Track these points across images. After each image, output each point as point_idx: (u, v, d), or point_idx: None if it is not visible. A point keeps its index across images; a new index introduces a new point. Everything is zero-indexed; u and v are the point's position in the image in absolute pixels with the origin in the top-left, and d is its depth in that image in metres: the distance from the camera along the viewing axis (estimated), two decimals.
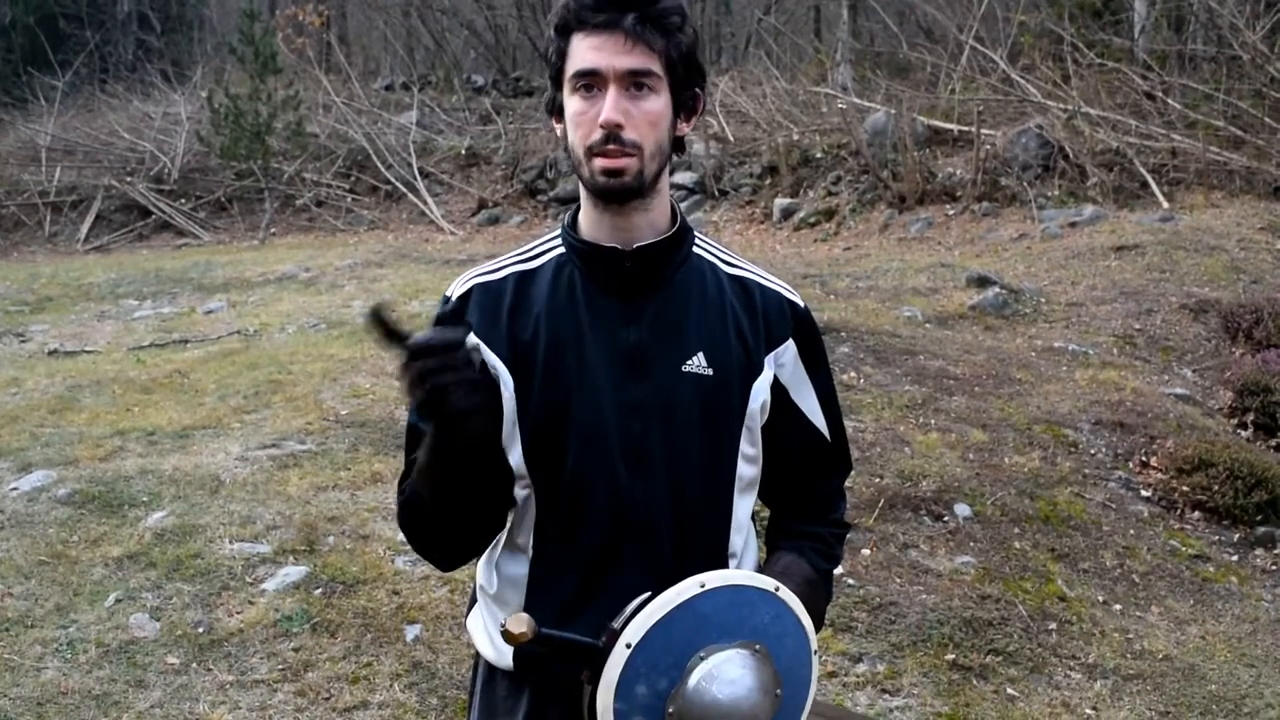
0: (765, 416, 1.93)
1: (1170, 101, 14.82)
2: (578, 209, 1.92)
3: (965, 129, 15.21)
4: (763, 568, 1.98)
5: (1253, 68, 14.38)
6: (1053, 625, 4.71)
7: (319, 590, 4.57)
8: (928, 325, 8.80)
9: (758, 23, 26.35)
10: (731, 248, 2.08)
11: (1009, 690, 4.25)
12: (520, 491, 1.90)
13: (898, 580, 4.88)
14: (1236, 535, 5.87)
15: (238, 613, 4.41)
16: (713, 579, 1.73)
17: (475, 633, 1.99)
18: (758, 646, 1.73)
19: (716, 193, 16.66)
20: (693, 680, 1.68)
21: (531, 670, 1.86)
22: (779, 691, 1.75)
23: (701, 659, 1.69)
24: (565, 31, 1.80)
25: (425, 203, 18.46)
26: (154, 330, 9.94)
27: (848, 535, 2.14)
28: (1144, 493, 6.12)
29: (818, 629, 1.92)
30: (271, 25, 24.26)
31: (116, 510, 5.24)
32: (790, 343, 1.95)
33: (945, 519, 5.47)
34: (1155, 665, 4.52)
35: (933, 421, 6.55)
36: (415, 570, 4.74)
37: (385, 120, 21.28)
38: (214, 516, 5.14)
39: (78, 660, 4.08)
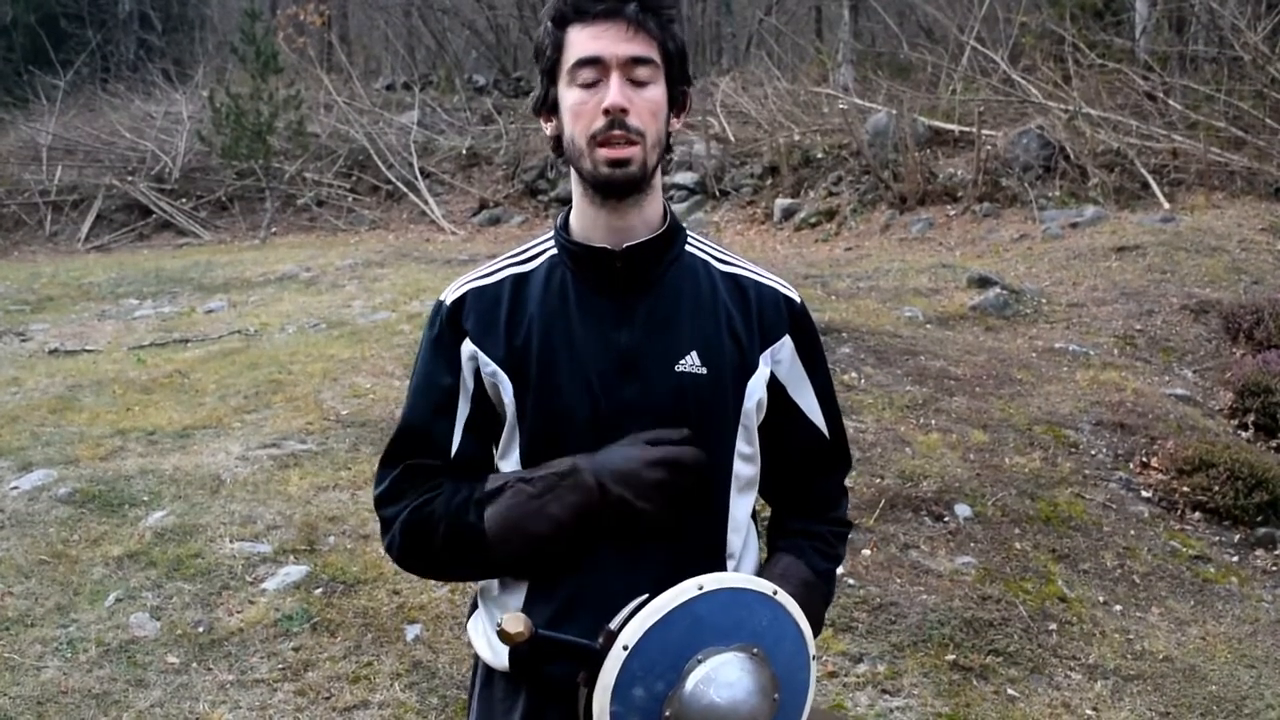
0: (762, 415, 1.92)
1: (1171, 102, 14.82)
2: (569, 209, 1.92)
3: (966, 129, 15.21)
4: (762, 569, 1.97)
5: (1254, 69, 14.38)
6: (1053, 626, 4.70)
7: (319, 590, 4.57)
8: (929, 326, 8.79)
9: (759, 23, 26.35)
10: (732, 248, 2.08)
11: (1009, 691, 4.25)
12: None
13: (898, 580, 4.88)
14: (1237, 536, 5.87)
15: (238, 612, 4.41)
16: (710, 581, 1.73)
17: (474, 635, 1.99)
18: (755, 650, 1.73)
19: (717, 193, 16.66)
20: (690, 683, 1.68)
21: (526, 673, 1.86)
22: (777, 695, 1.74)
23: (699, 662, 1.69)
24: (562, 23, 1.80)
25: (426, 203, 18.46)
26: (154, 330, 9.95)
27: (850, 534, 2.14)
28: (1144, 493, 6.12)
29: (819, 629, 1.91)
30: (273, 25, 24.30)
31: (117, 510, 5.24)
32: (786, 339, 1.94)
33: (946, 519, 5.47)
34: (1156, 666, 4.52)
35: (933, 422, 6.55)
36: None
37: (386, 120, 21.28)
38: (214, 516, 5.14)
39: (78, 659, 4.08)
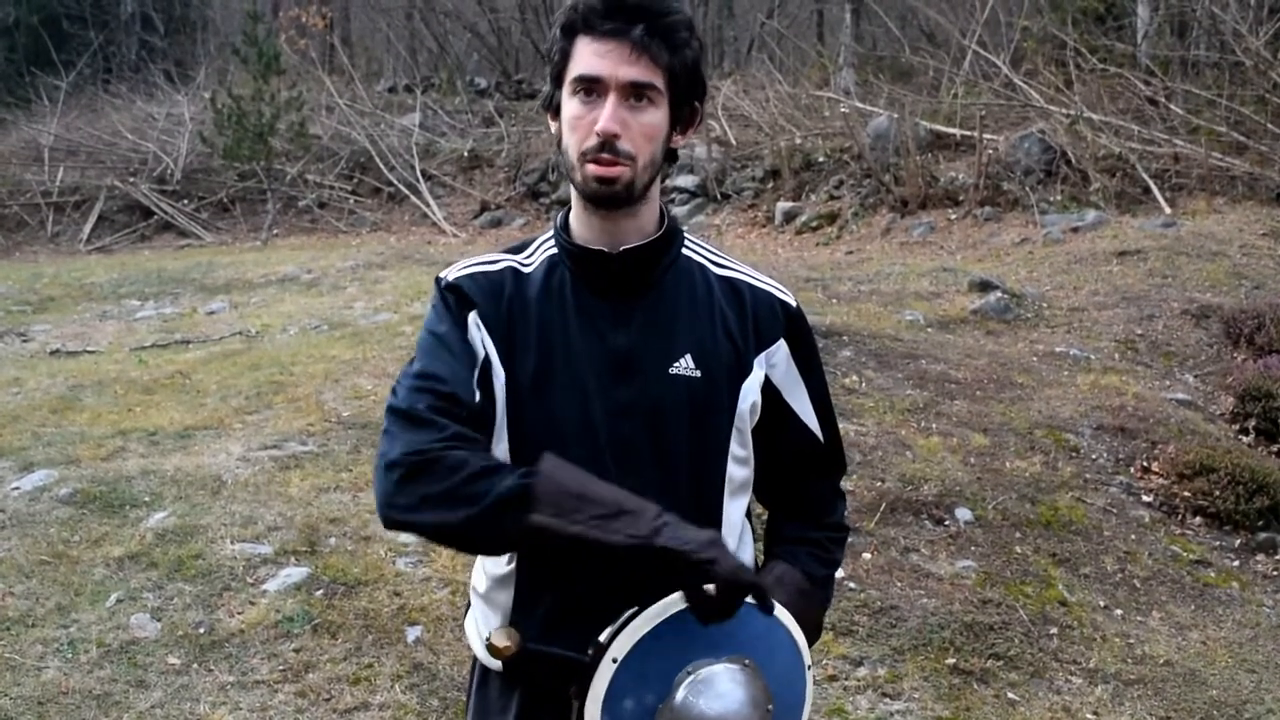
0: (756, 417, 1.92)
1: (1173, 107, 14.82)
2: (569, 210, 1.93)
3: (968, 133, 15.21)
4: (757, 575, 1.97)
5: (1255, 74, 14.38)
6: (1054, 630, 4.70)
7: (320, 591, 4.57)
8: (929, 329, 8.79)
9: (760, 26, 26.36)
10: (733, 251, 2.09)
11: (1010, 695, 4.25)
12: None
13: (898, 584, 4.88)
14: (1238, 541, 5.87)
15: (239, 613, 4.41)
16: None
17: (470, 634, 1.99)
18: (747, 661, 1.72)
19: (718, 196, 16.66)
20: (680, 695, 1.67)
21: (518, 674, 1.86)
22: (770, 707, 1.73)
23: (689, 674, 1.68)
24: (570, 32, 1.80)
25: (428, 205, 18.47)
26: (156, 331, 9.95)
27: (847, 538, 2.13)
28: (1145, 498, 6.12)
29: (816, 636, 1.90)
30: (275, 26, 24.34)
31: (118, 510, 5.24)
32: (781, 343, 1.95)
33: (946, 523, 5.47)
34: (1156, 670, 4.52)
35: (934, 425, 6.55)
36: (416, 572, 4.75)
37: (388, 122, 21.29)
38: (215, 517, 5.14)
39: (78, 660, 4.08)
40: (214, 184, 20.00)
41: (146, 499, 5.36)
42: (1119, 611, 4.97)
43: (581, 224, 1.88)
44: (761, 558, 2.05)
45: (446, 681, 4.07)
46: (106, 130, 21.81)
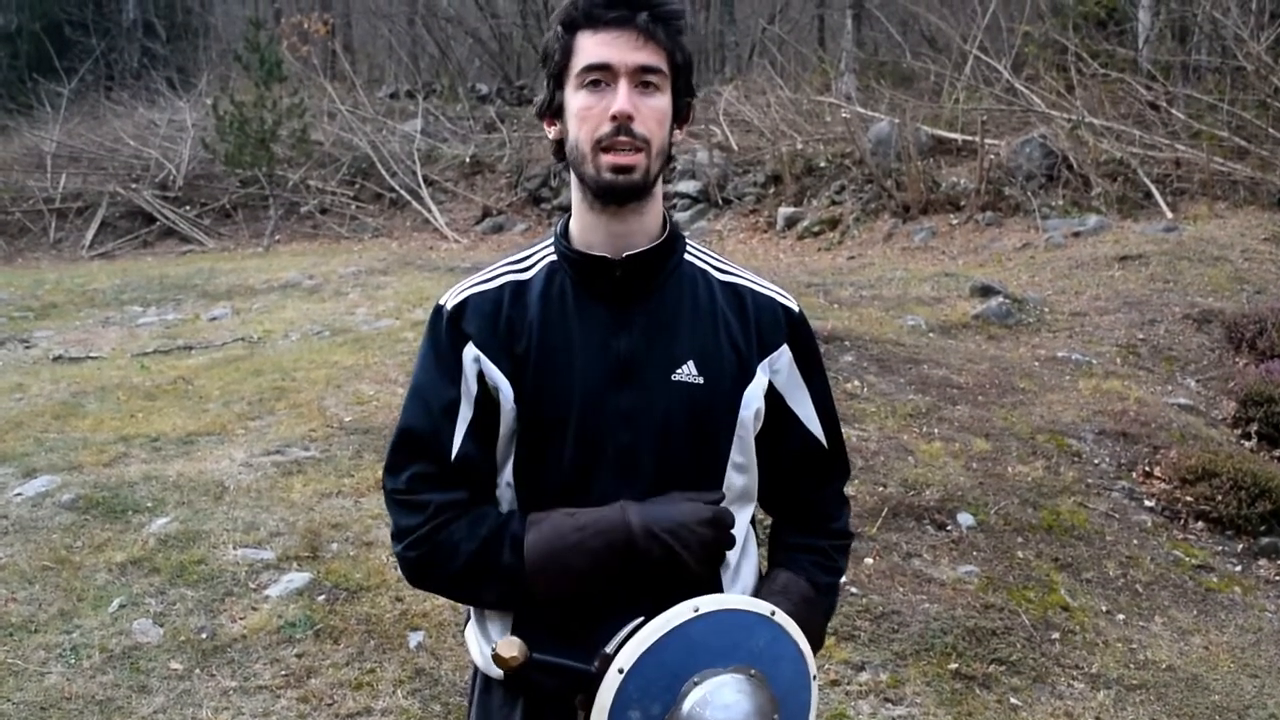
0: (759, 424, 1.92)
1: (1174, 112, 14.83)
2: (569, 216, 1.92)
3: (969, 138, 15.23)
4: (761, 585, 1.96)
5: (1257, 78, 14.39)
6: (1056, 635, 4.70)
7: (322, 596, 4.57)
8: (931, 334, 8.80)
9: (762, 32, 26.38)
10: (734, 257, 2.09)
11: (1012, 700, 4.24)
12: (507, 497, 1.90)
13: (901, 589, 4.88)
14: (1240, 546, 5.87)
15: (241, 619, 4.42)
16: (706, 603, 1.72)
17: (470, 643, 1.99)
18: (753, 671, 1.72)
19: (720, 201, 16.67)
20: (687, 705, 1.67)
21: (522, 683, 1.86)
22: (776, 716, 1.73)
23: (695, 684, 1.68)
24: (572, 28, 1.81)
25: (429, 210, 18.48)
26: (158, 337, 9.96)
27: (851, 545, 2.13)
28: (1147, 503, 6.12)
29: (820, 644, 1.90)
30: (276, 33, 24.35)
31: (120, 516, 5.24)
32: (785, 349, 1.94)
33: (948, 528, 5.47)
34: (1158, 675, 4.52)
35: (936, 430, 6.55)
36: None
37: (390, 128, 21.31)
38: (218, 523, 5.15)
39: (81, 665, 4.09)
40: (216, 190, 20.02)
41: (149, 505, 5.36)
42: (1121, 616, 4.97)
43: (585, 228, 1.88)
44: (765, 565, 2.04)
45: (448, 687, 4.07)
46: (109, 137, 21.84)
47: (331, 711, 3.90)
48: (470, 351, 1.86)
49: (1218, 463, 6.20)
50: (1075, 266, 10.99)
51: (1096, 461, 6.44)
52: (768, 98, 18.85)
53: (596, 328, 1.86)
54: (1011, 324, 9.20)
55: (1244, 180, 13.21)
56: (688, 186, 16.75)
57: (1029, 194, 13.71)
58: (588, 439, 1.83)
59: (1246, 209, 12.74)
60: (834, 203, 15.38)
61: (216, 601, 4.53)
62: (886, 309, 9.46)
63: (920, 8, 21.50)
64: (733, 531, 1.83)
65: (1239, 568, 5.66)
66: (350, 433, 6.37)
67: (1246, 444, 7.17)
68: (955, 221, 13.86)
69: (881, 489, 5.71)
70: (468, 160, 20.02)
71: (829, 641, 4.29)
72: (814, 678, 1.82)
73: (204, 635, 4.29)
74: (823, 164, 16.27)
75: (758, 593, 1.92)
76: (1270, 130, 13.60)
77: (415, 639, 4.34)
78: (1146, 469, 6.43)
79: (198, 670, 4.09)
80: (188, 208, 19.59)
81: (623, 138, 1.77)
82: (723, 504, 1.88)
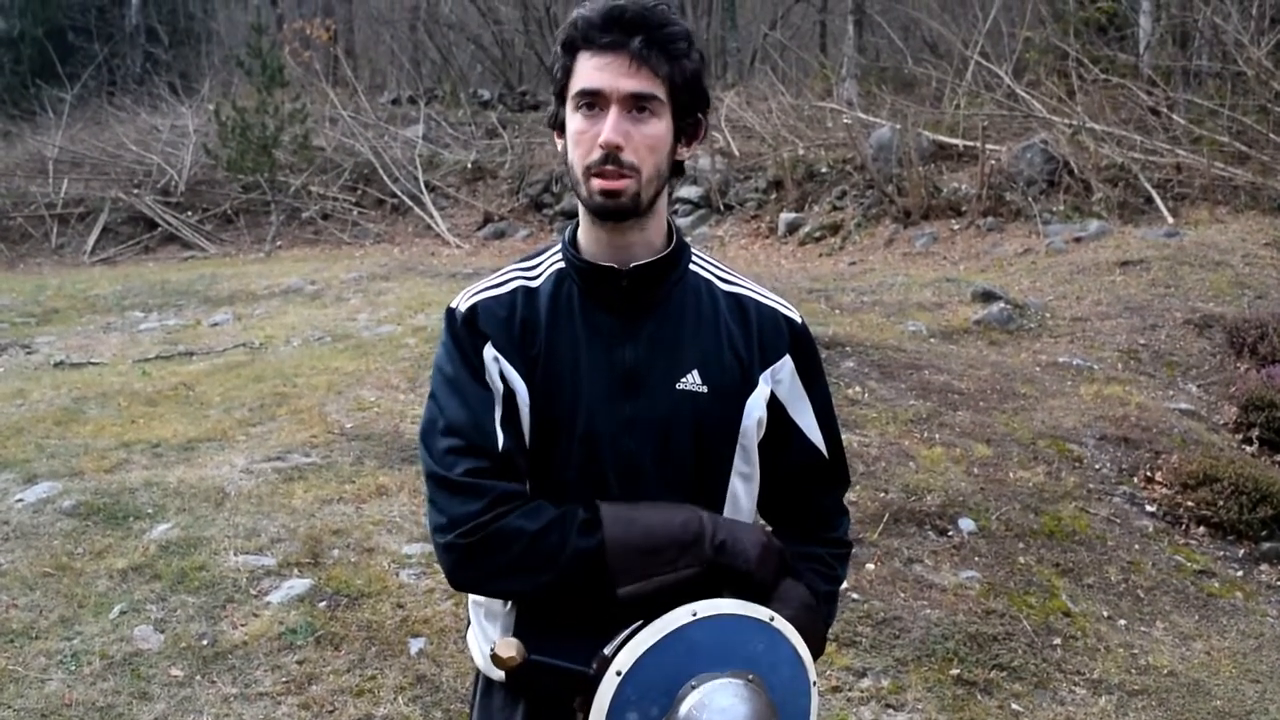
0: (761, 433, 1.93)
1: (1175, 117, 14.83)
2: (578, 224, 1.93)
3: (970, 144, 15.22)
4: None
5: (1258, 84, 14.39)
6: (1057, 640, 4.70)
7: (323, 603, 4.57)
8: (932, 340, 8.80)
9: (763, 38, 26.40)
10: (736, 262, 2.10)
11: (1013, 705, 4.24)
12: None
13: (902, 595, 4.88)
14: (1241, 551, 5.86)
15: (242, 625, 4.41)
16: (704, 608, 1.73)
17: (473, 646, 2.00)
18: (751, 676, 1.72)
19: (722, 207, 16.67)
20: (684, 709, 1.68)
21: (522, 685, 1.86)
22: None
23: (693, 688, 1.69)
24: (571, 49, 1.81)
25: (431, 216, 18.49)
26: (159, 342, 9.96)
27: (850, 554, 2.14)
28: (1149, 508, 6.12)
29: (820, 652, 1.91)
30: (278, 39, 24.42)
31: (121, 522, 5.24)
32: (787, 359, 1.95)
33: (950, 533, 5.47)
34: (1160, 681, 4.51)
35: (937, 436, 6.55)
36: (419, 583, 4.75)
37: (391, 134, 21.33)
38: (219, 529, 5.15)
39: (82, 672, 4.09)
40: (218, 196, 20.03)
41: (150, 511, 5.36)
42: (1123, 622, 4.97)
43: (590, 239, 1.90)
44: None
45: (449, 693, 4.07)
46: (111, 142, 21.86)
47: (333, 718, 3.90)
48: (490, 352, 1.86)
49: (1219, 468, 6.20)
50: (1076, 272, 10.99)
51: (1098, 467, 6.44)
52: (769, 103, 18.86)
53: (602, 336, 1.87)
54: (1013, 329, 9.20)
55: (1245, 185, 13.21)
56: (689, 192, 16.76)
57: (1030, 199, 13.71)
58: (592, 446, 1.84)
59: (1247, 214, 12.74)
60: (835, 208, 15.38)
61: (217, 608, 4.53)
62: (888, 314, 9.46)
63: (921, 13, 21.53)
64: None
65: (1240, 573, 5.65)
66: (351, 439, 6.37)
67: (1248, 449, 7.17)
68: (956, 227, 13.86)
69: (883, 494, 5.71)
70: (469, 166, 20.03)
71: (830, 648, 4.29)
72: (814, 684, 1.82)
73: (205, 642, 4.29)
74: (824, 169, 16.27)
75: None
76: (1271, 135, 13.60)
77: (416, 645, 4.33)
78: (1148, 474, 6.43)
79: (199, 677, 4.09)
80: (190, 213, 19.60)
81: (610, 166, 1.77)
82: (724, 513, 1.91)
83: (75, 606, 4.51)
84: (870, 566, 5.06)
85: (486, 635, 1.93)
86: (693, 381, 1.87)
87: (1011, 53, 17.36)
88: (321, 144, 20.65)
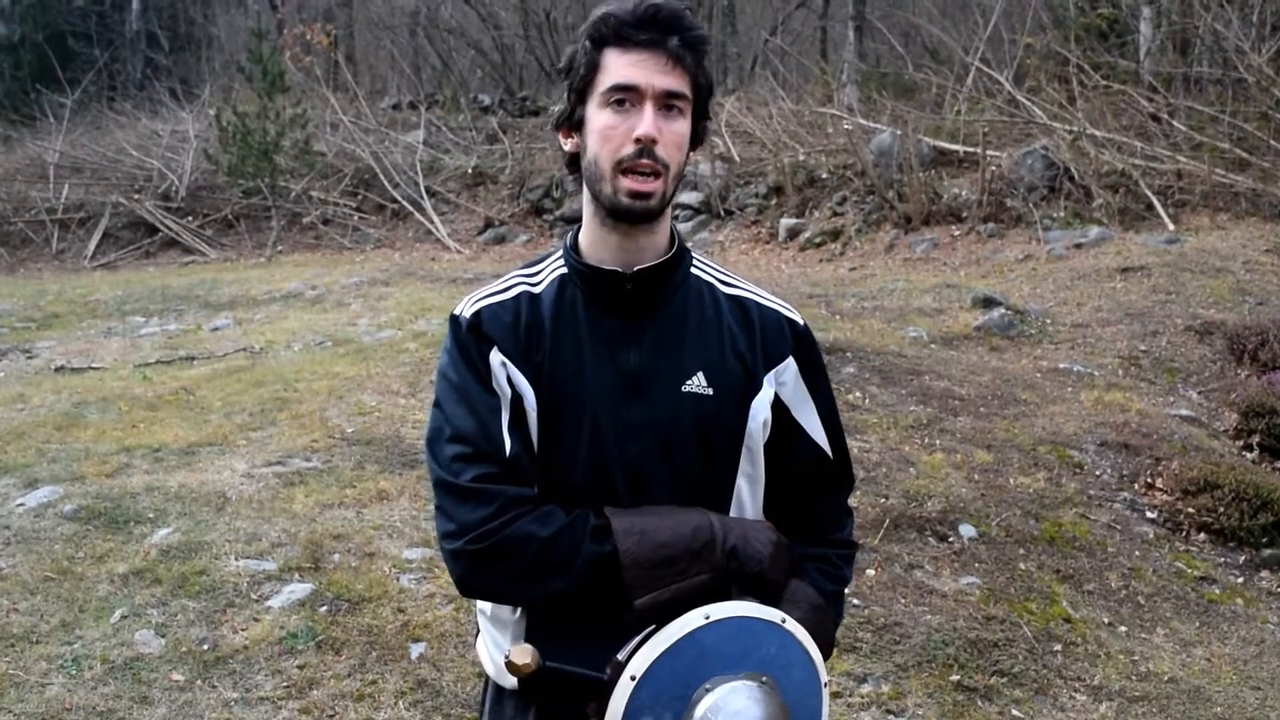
0: (766, 435, 1.93)
1: (1176, 124, 14.85)
2: (578, 229, 1.93)
3: (971, 150, 15.24)
4: None
5: (1258, 90, 14.40)
6: (1058, 646, 4.70)
7: (324, 608, 4.57)
8: (933, 345, 8.80)
9: (764, 43, 26.43)
10: (736, 268, 2.10)
11: (1014, 712, 4.24)
12: None
13: (902, 600, 4.88)
14: (1242, 557, 5.86)
15: (243, 630, 4.41)
16: (717, 611, 1.73)
17: (482, 654, 2.00)
18: (764, 678, 1.73)
19: (722, 213, 16.68)
20: (698, 712, 1.68)
21: (534, 692, 1.86)
22: None
23: (707, 691, 1.69)
24: (600, 44, 1.81)
25: (432, 221, 18.50)
26: (160, 347, 9.96)
27: (855, 555, 2.14)
28: (1149, 514, 6.12)
29: (827, 653, 1.91)
30: (279, 44, 24.45)
31: (122, 527, 5.24)
32: (790, 360, 1.96)
33: (950, 539, 5.47)
34: (1160, 687, 4.51)
35: (938, 442, 6.55)
36: (420, 588, 4.75)
37: (392, 139, 21.34)
38: (219, 533, 5.15)
39: (83, 676, 4.09)
40: (218, 201, 20.03)
41: (150, 515, 5.36)
42: (1123, 628, 4.97)
43: (595, 243, 1.89)
44: None
45: (450, 698, 4.06)
46: (111, 147, 21.87)
47: None
48: (496, 357, 1.87)
49: (1219, 474, 6.20)
50: (1077, 278, 10.99)
51: (1098, 473, 6.44)
52: (770, 109, 18.88)
53: (606, 341, 1.87)
54: (1013, 335, 9.20)
55: (1245, 192, 13.22)
56: (690, 198, 16.76)
57: (1031, 205, 13.71)
58: (597, 451, 1.85)
59: (1248, 220, 12.74)
60: (836, 214, 15.38)
61: (218, 612, 4.53)
62: (888, 320, 9.47)
63: (922, 20, 21.55)
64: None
65: (1241, 579, 5.65)
66: (352, 444, 6.37)
67: (1248, 455, 7.17)
68: (957, 233, 13.86)
69: (883, 500, 5.71)
70: (470, 171, 20.04)
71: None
72: (825, 685, 1.83)
73: (206, 646, 4.29)
74: (825, 175, 16.28)
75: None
76: (1271, 142, 13.61)
77: (417, 650, 4.33)
78: (1148, 480, 6.43)
79: (199, 681, 4.09)
80: (190, 218, 19.60)
81: (645, 160, 1.78)
82: (730, 514, 1.91)
83: (76, 611, 4.51)
84: (871, 572, 5.06)
85: (498, 643, 1.93)
86: (698, 384, 1.87)
87: (1012, 59, 17.38)
88: (322, 149, 20.66)
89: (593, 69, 1.82)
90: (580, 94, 1.85)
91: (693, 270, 1.97)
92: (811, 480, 2.03)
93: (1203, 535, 5.98)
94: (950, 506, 5.72)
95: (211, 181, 20.37)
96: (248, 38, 20.94)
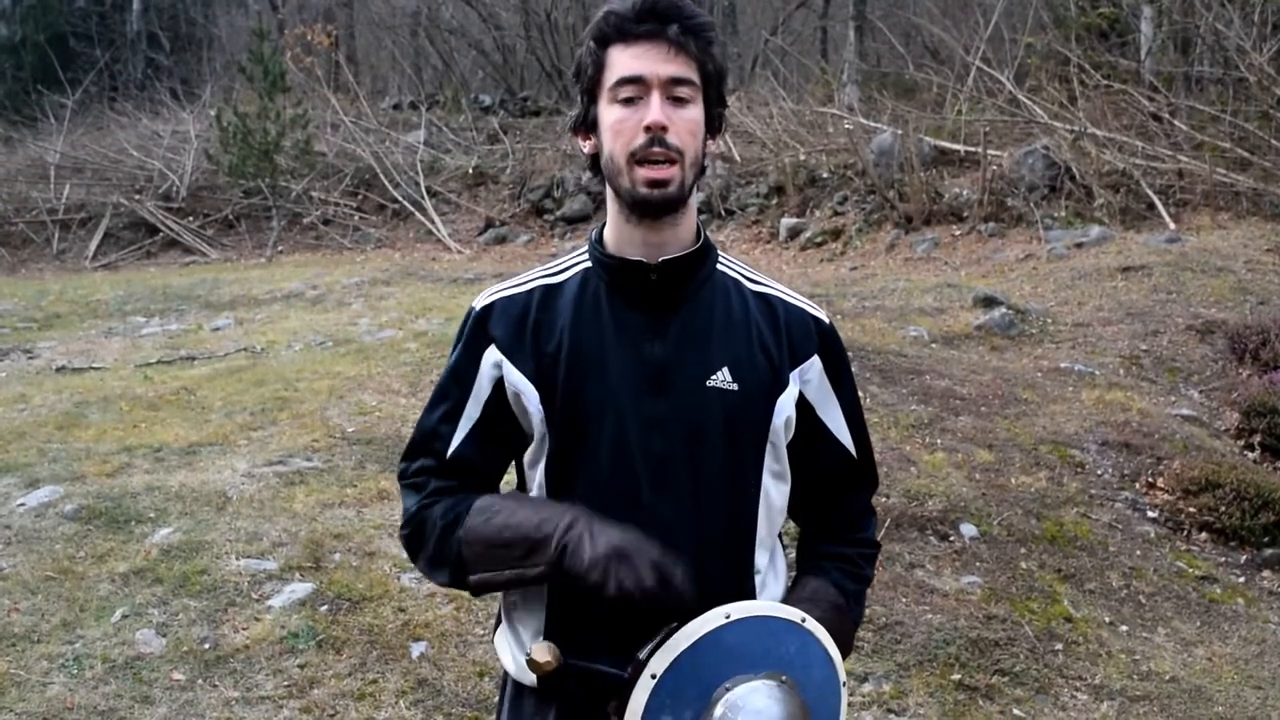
0: (790, 433, 1.93)
1: (1177, 123, 14.84)
2: (604, 224, 1.94)
3: (972, 149, 15.23)
4: (789, 593, 1.97)
5: (1259, 89, 14.39)
6: (1059, 646, 4.70)
7: (325, 607, 4.57)
8: (934, 345, 8.80)
9: (764, 43, 26.42)
10: (752, 266, 2.10)
11: (1015, 711, 4.24)
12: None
13: (904, 600, 4.88)
14: (1243, 557, 5.86)
15: (244, 629, 4.41)
16: (738, 610, 1.73)
17: (501, 650, 1.99)
18: (784, 677, 1.73)
19: (723, 212, 16.69)
20: (718, 711, 1.68)
21: (554, 689, 1.86)
22: None
23: (727, 690, 1.69)
24: (604, 43, 1.83)
25: (432, 221, 18.50)
26: (161, 347, 9.97)
27: (878, 555, 2.14)
28: (1150, 513, 6.11)
29: (848, 652, 1.91)
30: (280, 44, 24.42)
31: (123, 526, 5.24)
32: (815, 359, 1.95)
33: (951, 539, 5.47)
34: (1162, 686, 4.51)
35: (939, 441, 6.55)
36: (421, 587, 4.74)
37: (393, 139, 21.34)
38: (220, 533, 5.15)
39: (84, 676, 4.09)
40: (219, 201, 20.03)
41: (151, 515, 5.36)
42: (1124, 627, 4.97)
43: (621, 237, 1.90)
44: (792, 573, 2.05)
45: (451, 697, 4.06)
46: (112, 148, 21.87)
47: None
48: (491, 356, 1.89)
49: (1221, 474, 6.19)
50: (1078, 277, 10.99)
51: (1099, 472, 6.44)
52: (770, 109, 18.86)
53: (630, 334, 1.87)
54: (1014, 335, 9.20)
55: (1247, 191, 13.21)
56: (691, 197, 16.75)
57: (1031, 205, 13.71)
58: (620, 446, 1.84)
59: (1249, 220, 12.74)
60: (836, 213, 15.37)
61: (219, 612, 4.53)
62: (889, 320, 9.46)
63: (923, 19, 21.54)
64: (676, 596, 1.70)
65: (1242, 579, 5.65)
66: (353, 443, 6.37)
67: (1250, 455, 7.17)
68: (958, 232, 13.86)
69: (884, 500, 5.71)
70: (471, 171, 20.04)
71: None
72: (844, 684, 1.83)
73: (206, 645, 4.29)
74: (825, 175, 16.27)
75: (786, 600, 1.93)
76: (1272, 141, 13.60)
77: (418, 649, 4.33)
78: (1149, 480, 6.42)
79: (200, 681, 4.09)
80: (191, 219, 19.60)
81: (656, 149, 1.78)
82: (758, 512, 1.91)
83: (77, 610, 4.51)
84: None
85: (519, 639, 1.92)
86: (723, 379, 1.87)
87: (1013, 58, 17.37)
88: (323, 149, 20.66)
89: (599, 67, 1.83)
90: (591, 94, 1.86)
91: (719, 267, 1.97)
92: (835, 479, 2.03)
93: (1204, 535, 5.98)
94: (951, 506, 5.72)
95: (212, 182, 20.38)
96: (248, 38, 20.92)
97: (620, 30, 1.81)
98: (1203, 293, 10.16)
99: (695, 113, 1.83)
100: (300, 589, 4.68)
